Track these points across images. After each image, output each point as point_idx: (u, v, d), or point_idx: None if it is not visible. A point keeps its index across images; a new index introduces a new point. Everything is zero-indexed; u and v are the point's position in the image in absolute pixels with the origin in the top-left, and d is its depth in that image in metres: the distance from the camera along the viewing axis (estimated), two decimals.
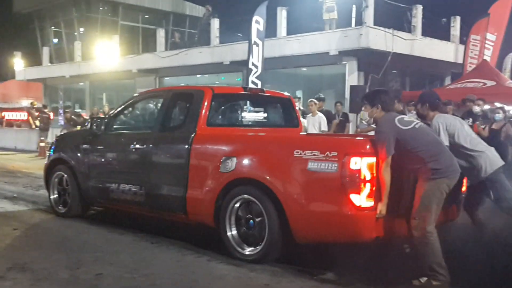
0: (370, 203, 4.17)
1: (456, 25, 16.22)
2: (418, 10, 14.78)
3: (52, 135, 17.40)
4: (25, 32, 30.91)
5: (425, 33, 15.00)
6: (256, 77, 12.49)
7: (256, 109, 6.37)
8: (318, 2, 15.18)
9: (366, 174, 4.16)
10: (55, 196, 6.88)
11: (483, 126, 8.05)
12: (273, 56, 14.68)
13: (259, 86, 11.69)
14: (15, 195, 8.49)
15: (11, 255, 5.03)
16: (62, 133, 10.52)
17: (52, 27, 28.64)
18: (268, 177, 4.64)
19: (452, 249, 4.56)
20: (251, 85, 12.09)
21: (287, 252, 4.71)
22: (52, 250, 5.17)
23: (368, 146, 4.26)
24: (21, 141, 19.94)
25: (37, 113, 18.80)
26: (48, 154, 7.44)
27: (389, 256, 4.71)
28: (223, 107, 6.10)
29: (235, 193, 4.88)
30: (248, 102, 6.36)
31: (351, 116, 12.54)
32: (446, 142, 4.78)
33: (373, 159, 4.19)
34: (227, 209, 4.91)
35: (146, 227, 6.08)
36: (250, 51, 12.56)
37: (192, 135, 5.37)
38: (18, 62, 26.45)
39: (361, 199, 4.15)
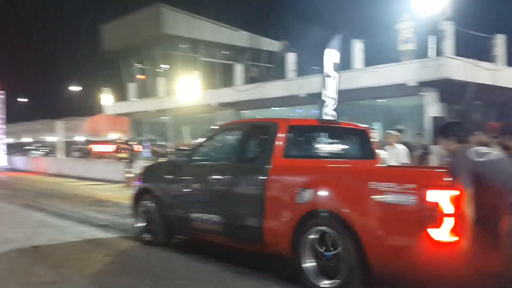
0: (450, 238, 4.05)
1: None
2: (501, 39, 14.25)
3: (138, 166, 18.31)
4: (112, 69, 33.16)
5: (511, 63, 14.40)
6: (331, 109, 12.53)
7: (331, 140, 6.40)
8: (394, 33, 15.09)
9: (446, 207, 4.05)
10: (142, 224, 7.24)
11: None
12: (350, 88, 14.70)
13: (333, 118, 11.71)
14: (105, 223, 9.03)
15: (101, 280, 5.36)
16: (148, 164, 11.05)
17: (137, 64, 30.54)
18: (344, 209, 4.65)
19: None
20: (324, 117, 12.15)
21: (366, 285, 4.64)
22: (139, 277, 5.42)
23: (447, 179, 4.17)
24: (109, 172, 20.84)
25: (124, 146, 19.93)
26: (134, 185, 7.87)
27: None
28: (298, 139, 6.17)
29: (311, 225, 4.91)
30: (323, 133, 6.42)
31: (433, 148, 12.17)
32: None
33: (453, 192, 4.08)
34: (303, 240, 4.94)
35: (228, 257, 6.19)
36: (323, 83, 12.68)
37: (268, 167, 5.49)
38: (106, 98, 28.20)
39: (441, 234, 4.04)
